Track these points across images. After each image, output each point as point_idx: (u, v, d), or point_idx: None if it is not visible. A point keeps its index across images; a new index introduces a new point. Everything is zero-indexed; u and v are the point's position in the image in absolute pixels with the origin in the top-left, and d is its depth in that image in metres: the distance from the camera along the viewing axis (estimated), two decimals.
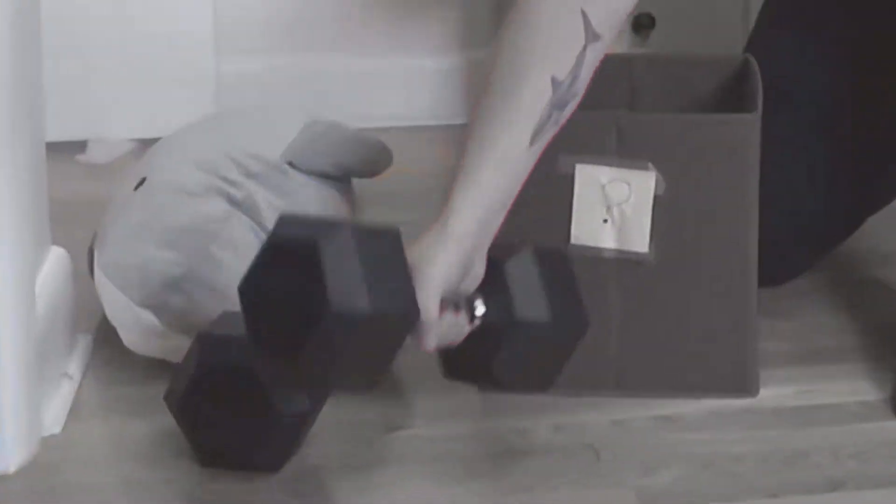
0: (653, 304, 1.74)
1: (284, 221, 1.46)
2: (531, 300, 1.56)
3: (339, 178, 1.98)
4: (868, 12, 1.97)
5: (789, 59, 1.91)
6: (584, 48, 1.60)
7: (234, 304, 1.65)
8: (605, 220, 1.72)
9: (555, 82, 1.59)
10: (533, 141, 1.58)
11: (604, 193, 1.71)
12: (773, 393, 1.75)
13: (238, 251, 1.79)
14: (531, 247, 1.57)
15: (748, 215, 1.72)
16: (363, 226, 1.46)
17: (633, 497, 1.56)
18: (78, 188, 2.18)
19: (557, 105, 1.60)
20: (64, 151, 2.38)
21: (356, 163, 1.98)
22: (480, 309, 1.54)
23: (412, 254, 1.52)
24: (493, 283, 1.55)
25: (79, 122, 2.53)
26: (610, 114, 1.72)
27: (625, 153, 1.70)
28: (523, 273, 1.56)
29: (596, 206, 1.72)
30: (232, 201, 1.83)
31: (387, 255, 1.45)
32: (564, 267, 1.62)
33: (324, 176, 1.94)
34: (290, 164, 1.90)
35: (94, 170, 2.49)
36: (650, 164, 1.70)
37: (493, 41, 1.65)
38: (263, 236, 1.78)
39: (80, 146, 2.54)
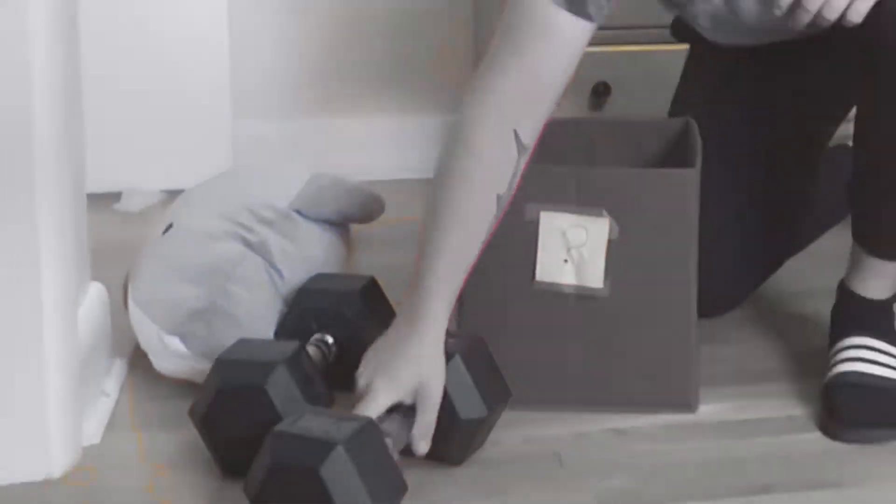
0: (607, 331, 1.73)
1: (282, 441, 1.43)
2: (469, 400, 1.59)
3: (339, 224, 1.97)
4: (770, 74, 1.96)
5: (709, 120, 1.90)
6: (518, 161, 1.63)
7: (249, 332, 1.76)
8: (566, 261, 1.72)
9: (499, 198, 1.63)
10: (481, 244, 1.63)
11: (565, 237, 1.71)
12: (714, 408, 1.75)
13: (252, 287, 1.80)
14: (456, 354, 1.59)
15: (689, 256, 1.72)
16: (351, 432, 1.43)
17: (593, 499, 1.56)
18: (114, 233, 2.17)
19: (500, 213, 1.64)
20: (102, 201, 2.37)
21: (354, 211, 1.98)
22: None
23: (417, 363, 1.56)
24: None
25: (115, 176, 2.53)
26: (571, 169, 1.73)
27: (583, 202, 1.70)
28: (457, 378, 1.58)
29: (558, 249, 1.71)
30: (247, 244, 1.83)
31: (373, 448, 1.44)
32: (484, 351, 1.65)
33: (326, 222, 1.94)
34: (298, 211, 1.91)
35: (127, 217, 2.49)
36: (605, 212, 1.70)
37: (438, 162, 1.66)
38: (275, 275, 1.82)
39: (116, 197, 2.55)
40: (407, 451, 1.56)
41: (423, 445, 1.57)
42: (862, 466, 1.63)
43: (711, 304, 1.86)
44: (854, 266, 1.79)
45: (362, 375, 1.57)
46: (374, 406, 1.53)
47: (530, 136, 1.64)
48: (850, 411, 1.70)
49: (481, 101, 1.65)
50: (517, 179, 1.65)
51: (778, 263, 2.01)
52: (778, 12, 1.61)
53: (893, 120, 1.67)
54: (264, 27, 2.72)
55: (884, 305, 1.80)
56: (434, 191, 1.65)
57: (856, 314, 1.79)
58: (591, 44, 2.33)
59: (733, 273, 1.94)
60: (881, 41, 1.62)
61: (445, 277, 1.61)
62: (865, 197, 1.76)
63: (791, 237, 2.02)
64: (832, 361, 1.76)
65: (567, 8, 1.64)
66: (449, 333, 1.62)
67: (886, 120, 1.68)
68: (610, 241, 1.70)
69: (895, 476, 1.61)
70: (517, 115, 1.65)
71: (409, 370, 1.56)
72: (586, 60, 2.31)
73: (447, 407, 1.58)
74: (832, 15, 1.57)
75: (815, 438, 1.69)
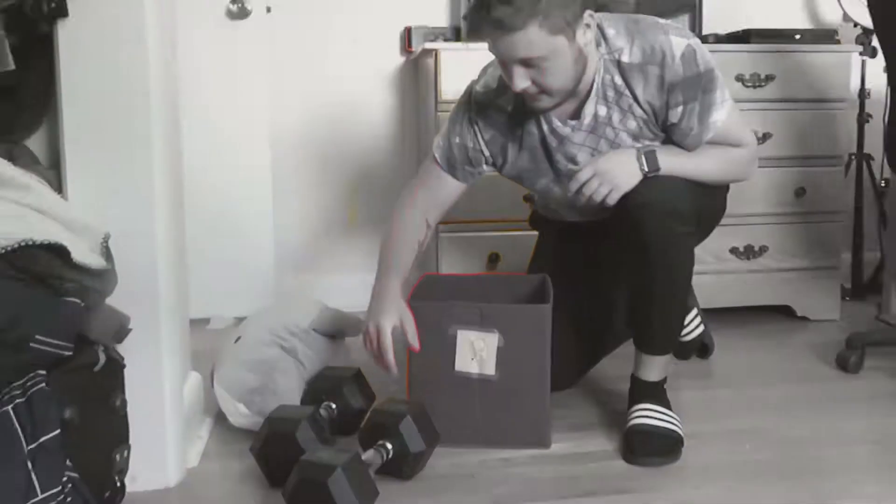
0: (497, 400, 1.77)
1: (305, 465, 1.47)
2: (414, 440, 1.65)
3: (339, 336, 2.03)
4: (582, 244, 2.00)
5: (552, 274, 1.95)
6: (428, 231, 1.85)
7: (285, 401, 1.81)
8: (473, 359, 1.77)
9: (419, 244, 1.83)
10: (412, 262, 1.78)
11: (472, 345, 1.76)
12: (561, 445, 1.81)
13: (287, 375, 1.85)
14: (408, 414, 1.65)
15: (545, 355, 1.77)
16: (347, 459, 1.47)
17: (491, 500, 1.61)
18: (206, 342, 2.17)
19: (420, 252, 1.81)
20: (199, 324, 2.46)
21: (348, 329, 2.03)
22: (390, 452, 1.64)
23: (394, 307, 1.68)
24: (394, 437, 1.64)
25: (207, 307, 2.59)
26: (476, 305, 1.78)
27: (483, 325, 1.76)
28: (408, 428, 1.65)
29: (468, 352, 1.76)
30: (284, 349, 1.88)
31: (359, 469, 1.49)
32: (424, 412, 1.70)
33: (330, 336, 1.99)
34: (314, 329, 1.95)
35: (214, 333, 2.53)
36: (496, 330, 1.76)
37: (383, 235, 1.80)
38: (300, 367, 1.87)
39: (207, 321, 2.61)
40: (381, 471, 1.62)
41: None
42: (648, 480, 1.68)
43: (559, 382, 1.93)
44: (637, 361, 1.87)
45: (369, 325, 1.71)
46: (386, 334, 1.68)
47: (434, 221, 1.85)
48: (641, 447, 1.76)
49: (405, 204, 1.84)
50: (429, 238, 1.83)
51: (597, 359, 2.11)
52: (569, 195, 1.75)
53: (639, 274, 1.75)
54: (295, 224, 2.75)
55: (658, 385, 1.87)
56: (382, 245, 1.81)
57: (641, 390, 1.86)
58: (489, 230, 2.34)
59: (571, 364, 2.02)
60: (623, 223, 1.71)
61: (393, 274, 1.75)
62: (636, 319, 1.83)
63: (604, 343, 2.09)
64: (629, 418, 1.84)
65: (447, 171, 1.86)
66: (403, 401, 1.71)
67: (635, 274, 1.78)
68: (499, 348, 1.75)
69: (667, 485, 1.66)
70: (425, 211, 1.84)
71: (392, 311, 1.71)
72: (485, 239, 2.29)
73: (401, 444, 1.64)
74: (598, 198, 1.70)
75: (620, 464, 1.75)
